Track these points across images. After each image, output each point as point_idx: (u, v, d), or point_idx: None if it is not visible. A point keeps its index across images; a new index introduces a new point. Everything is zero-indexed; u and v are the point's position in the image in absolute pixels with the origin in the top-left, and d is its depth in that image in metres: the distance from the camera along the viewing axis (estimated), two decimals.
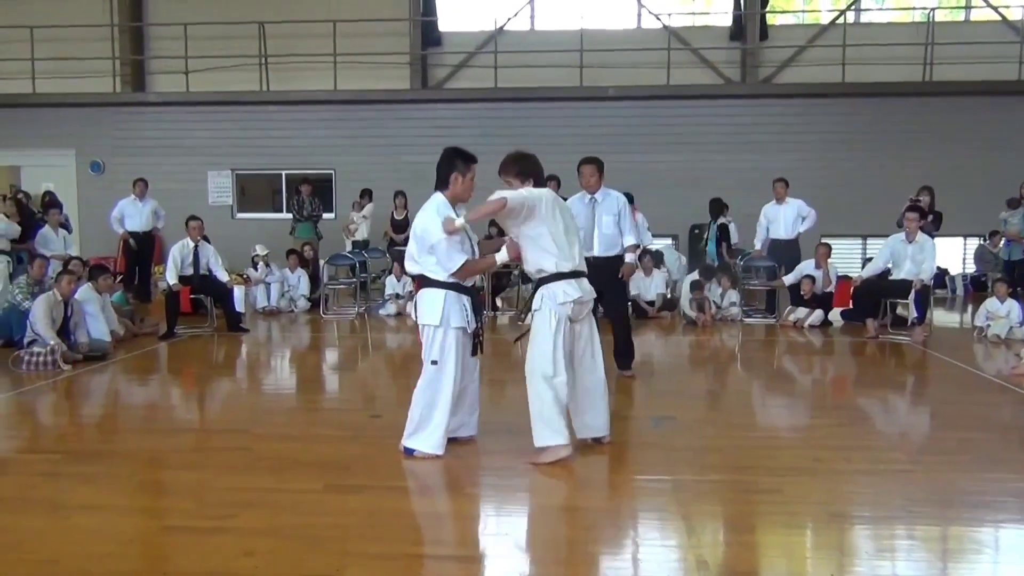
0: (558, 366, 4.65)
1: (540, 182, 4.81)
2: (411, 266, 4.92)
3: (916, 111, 14.77)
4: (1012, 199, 12.47)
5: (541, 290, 4.71)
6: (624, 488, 4.50)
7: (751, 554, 3.71)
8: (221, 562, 3.49)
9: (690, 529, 3.87)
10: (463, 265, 4.71)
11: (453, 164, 4.76)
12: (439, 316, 4.72)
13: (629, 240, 6.91)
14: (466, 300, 4.80)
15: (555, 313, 4.65)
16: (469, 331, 4.82)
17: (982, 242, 14.30)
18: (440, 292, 4.75)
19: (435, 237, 4.66)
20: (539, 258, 4.69)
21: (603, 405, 5.00)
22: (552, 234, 4.66)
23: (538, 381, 4.65)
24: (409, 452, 4.85)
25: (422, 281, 4.84)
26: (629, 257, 6.99)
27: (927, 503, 4.20)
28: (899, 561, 3.63)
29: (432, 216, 4.71)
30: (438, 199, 4.78)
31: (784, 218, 11.09)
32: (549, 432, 4.64)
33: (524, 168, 4.79)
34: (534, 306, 4.74)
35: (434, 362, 4.75)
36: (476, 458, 4.94)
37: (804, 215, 11.06)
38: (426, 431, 4.81)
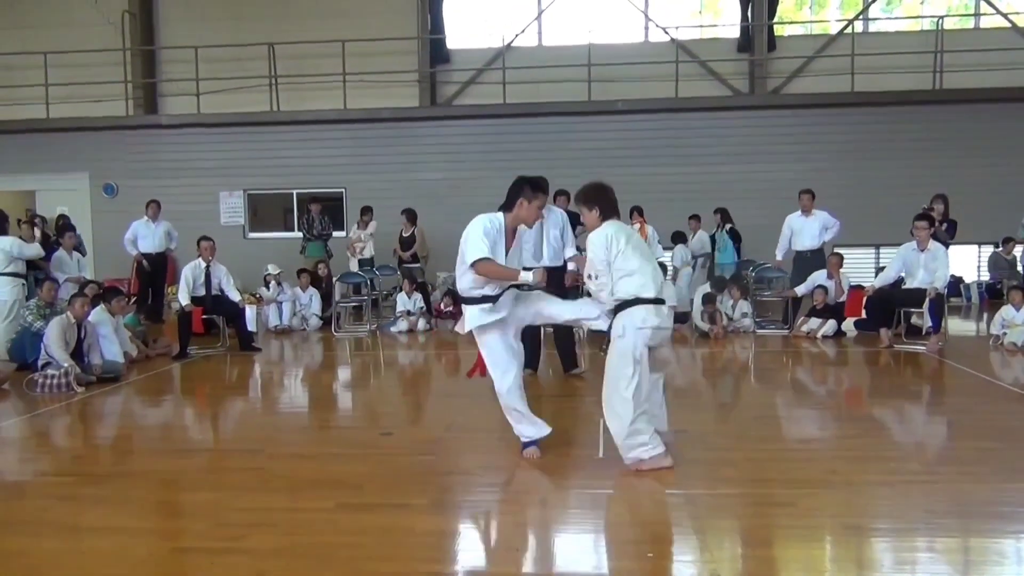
0: (640, 389, 4.70)
1: (608, 211, 4.89)
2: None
3: (927, 119, 14.72)
4: None
5: (621, 316, 4.73)
6: (637, 502, 4.47)
7: (767, 568, 3.67)
8: None
9: (704, 544, 3.83)
10: (482, 260, 4.83)
11: (521, 190, 4.99)
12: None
13: (570, 251, 7.52)
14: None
15: (636, 339, 4.68)
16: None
17: (996, 249, 14.19)
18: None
19: (469, 238, 4.91)
20: (621, 286, 4.75)
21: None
22: (634, 267, 4.74)
23: (618, 403, 4.70)
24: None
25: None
26: (571, 266, 7.50)
27: (946, 514, 4.15)
28: (918, 574, 3.59)
29: (474, 226, 4.93)
30: (493, 216, 4.99)
31: (810, 230, 11.06)
32: (643, 447, 4.74)
33: (588, 197, 4.94)
34: (616, 333, 4.74)
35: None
36: (486, 475, 4.92)
37: (829, 226, 11.04)
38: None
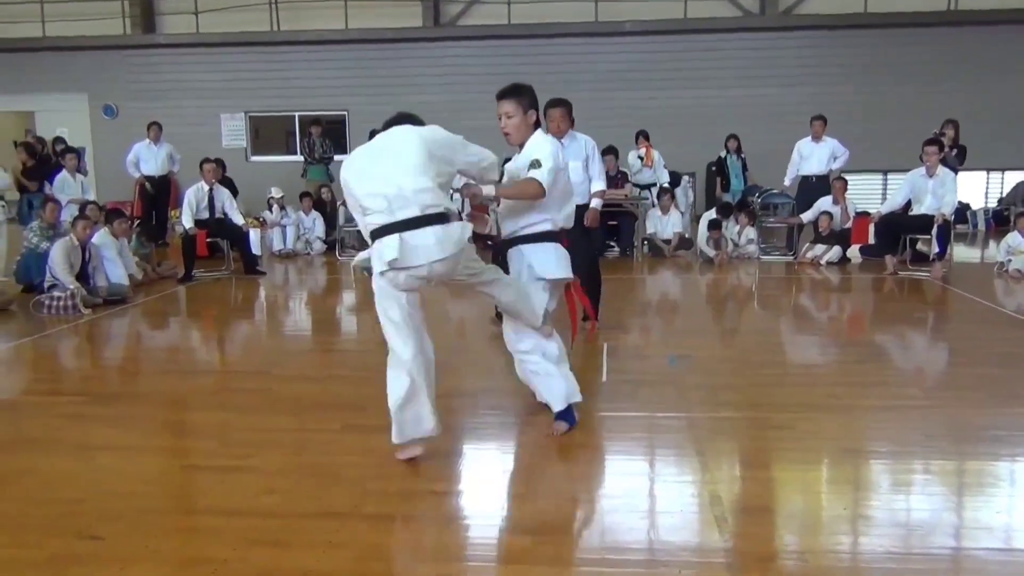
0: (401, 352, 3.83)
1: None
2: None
3: (940, 41, 14.42)
4: None
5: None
6: (639, 425, 4.52)
7: (764, 489, 3.73)
8: (243, 500, 3.55)
9: (704, 465, 3.89)
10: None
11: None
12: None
13: (596, 186, 6.48)
14: None
15: (380, 280, 3.90)
16: None
17: None
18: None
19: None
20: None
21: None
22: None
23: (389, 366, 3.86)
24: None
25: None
26: (594, 202, 6.49)
27: (942, 438, 4.21)
28: (914, 495, 3.65)
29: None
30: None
31: (819, 156, 11.00)
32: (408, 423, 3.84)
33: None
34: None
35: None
36: (489, 398, 4.96)
37: (838, 155, 10.97)
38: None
